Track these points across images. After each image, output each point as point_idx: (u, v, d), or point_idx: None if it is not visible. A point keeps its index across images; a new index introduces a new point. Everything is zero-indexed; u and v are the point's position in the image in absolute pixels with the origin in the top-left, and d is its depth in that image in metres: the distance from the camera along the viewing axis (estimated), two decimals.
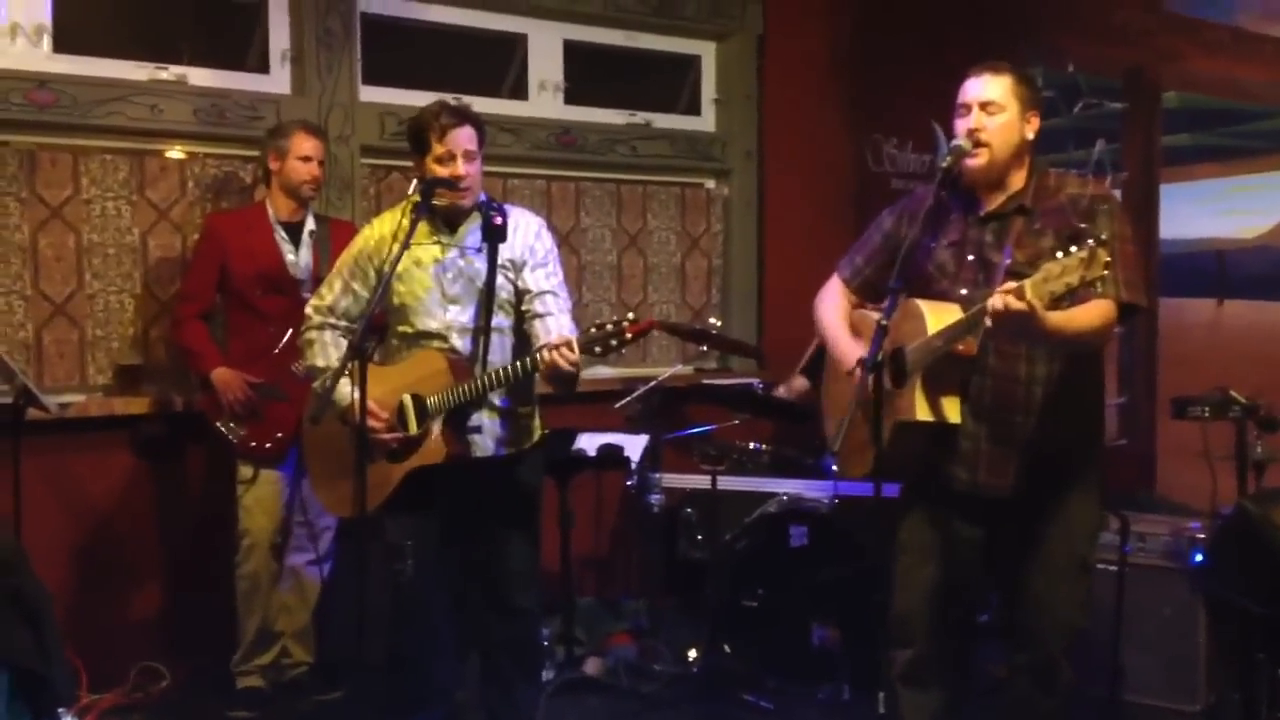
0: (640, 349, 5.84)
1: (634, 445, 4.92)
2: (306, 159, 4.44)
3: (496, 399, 3.62)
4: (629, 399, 5.03)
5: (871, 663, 4.24)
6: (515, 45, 5.71)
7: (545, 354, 3.26)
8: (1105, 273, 2.65)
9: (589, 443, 4.86)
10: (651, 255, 6.07)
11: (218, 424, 4.38)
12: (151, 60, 4.77)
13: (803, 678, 4.50)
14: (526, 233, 3.68)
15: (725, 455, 5.01)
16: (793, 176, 6.23)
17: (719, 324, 5.48)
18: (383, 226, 3.70)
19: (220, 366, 4.36)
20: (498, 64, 5.73)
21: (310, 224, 4.52)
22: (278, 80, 5.05)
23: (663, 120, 6.06)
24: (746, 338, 6.03)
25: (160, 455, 4.78)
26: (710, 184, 6.24)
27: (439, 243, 3.65)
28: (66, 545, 4.58)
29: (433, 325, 3.63)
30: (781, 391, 5.41)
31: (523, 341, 3.66)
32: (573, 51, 5.81)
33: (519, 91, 5.72)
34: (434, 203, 3.56)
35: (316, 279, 4.42)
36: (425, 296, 3.63)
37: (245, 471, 4.42)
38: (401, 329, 3.69)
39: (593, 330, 3.24)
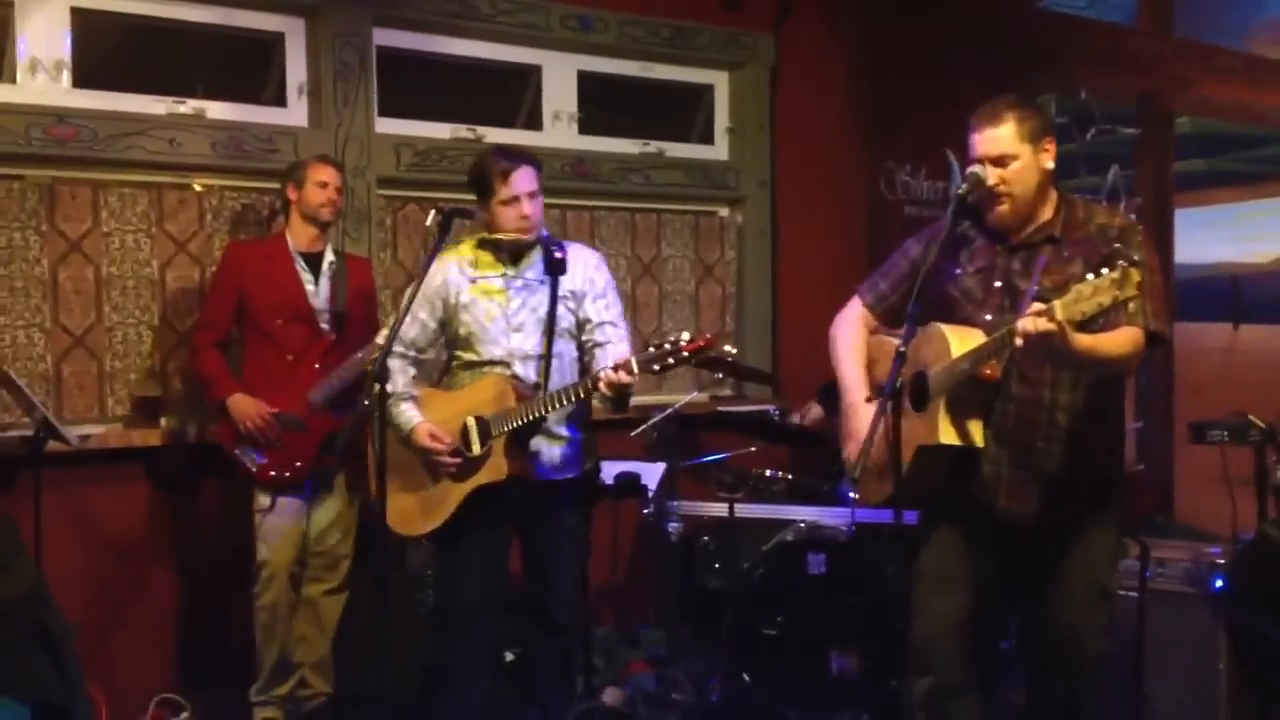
0: (655, 376, 5.84)
1: (651, 473, 4.92)
2: (324, 184, 4.48)
3: (554, 426, 3.78)
4: (645, 426, 5.04)
5: (891, 691, 4.25)
6: (530, 76, 5.74)
7: (606, 374, 3.45)
8: (1136, 293, 2.65)
9: (606, 471, 4.81)
10: (666, 283, 6.08)
11: (235, 452, 4.39)
12: (170, 94, 4.81)
13: (822, 706, 4.47)
14: (586, 266, 3.89)
15: (742, 483, 5.00)
16: (806, 204, 6.26)
17: (734, 351, 5.47)
18: (449, 266, 3.87)
19: (236, 393, 4.37)
20: (512, 95, 5.76)
21: (329, 255, 4.56)
22: (295, 113, 5.09)
23: (676, 149, 6.08)
24: (761, 365, 6.03)
25: (179, 486, 4.80)
26: (724, 212, 6.26)
27: (504, 274, 3.83)
28: (86, 577, 4.59)
29: (497, 353, 3.80)
30: (797, 419, 5.40)
31: (583, 369, 3.86)
32: (586, 82, 5.85)
33: (533, 122, 5.75)
34: (498, 238, 3.80)
35: (333, 311, 4.48)
36: (490, 325, 3.81)
37: (263, 500, 4.42)
38: (467, 357, 3.86)
39: (651, 349, 3.41)
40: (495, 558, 3.86)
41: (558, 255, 3.79)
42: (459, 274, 3.85)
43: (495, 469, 3.69)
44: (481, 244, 3.87)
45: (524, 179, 3.77)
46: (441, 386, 3.99)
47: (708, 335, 3.43)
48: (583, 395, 3.58)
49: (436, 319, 3.88)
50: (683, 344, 3.35)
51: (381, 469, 3.48)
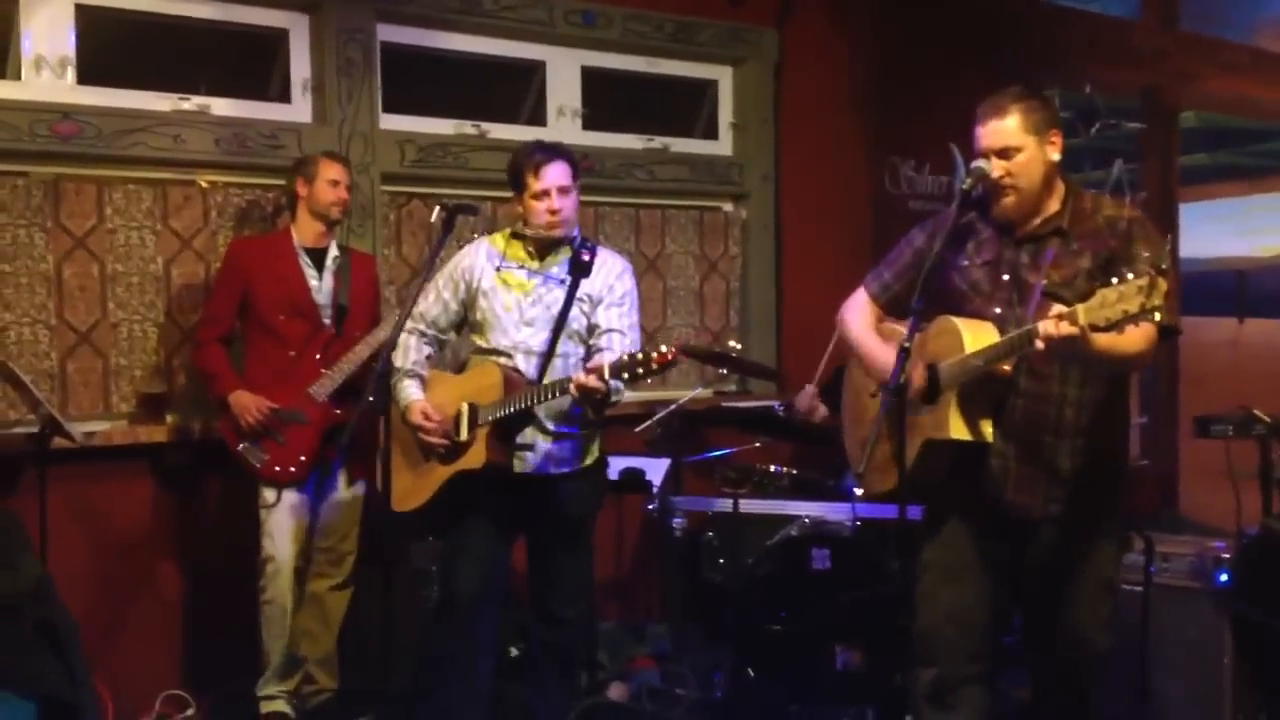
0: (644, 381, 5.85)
1: (655, 469, 4.93)
2: (335, 182, 4.50)
3: (548, 421, 3.79)
4: (649, 422, 5.04)
5: (896, 685, 4.25)
6: (534, 72, 5.74)
7: (576, 376, 3.50)
8: (1163, 302, 2.64)
9: (610, 467, 4.86)
10: (670, 278, 6.09)
11: (239, 448, 4.39)
12: (174, 91, 4.81)
13: (827, 701, 4.48)
14: (609, 273, 3.90)
15: (746, 478, 5.01)
16: (810, 199, 6.25)
17: (738, 347, 5.48)
18: (479, 249, 3.95)
19: (238, 389, 4.38)
20: (516, 91, 5.76)
21: (334, 251, 4.56)
22: (299, 109, 5.09)
23: (680, 145, 6.09)
24: (765, 360, 6.04)
25: (183, 482, 4.81)
26: (728, 207, 6.25)
27: (527, 268, 3.87)
28: (91, 573, 4.59)
29: (504, 343, 3.84)
30: (797, 403, 5.36)
31: None
32: (590, 77, 5.85)
33: (537, 118, 5.75)
34: (527, 232, 3.86)
35: (336, 306, 4.49)
36: (504, 316, 3.85)
37: (268, 495, 4.43)
38: (480, 343, 3.91)
39: (624, 358, 3.45)
40: (493, 550, 3.86)
41: (585, 258, 3.81)
42: (486, 260, 3.90)
43: (475, 456, 3.74)
44: (513, 235, 3.93)
45: (555, 173, 3.79)
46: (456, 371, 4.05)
47: (675, 350, 3.44)
48: (559, 394, 3.61)
49: (459, 300, 3.93)
50: (653, 357, 3.40)
51: (386, 447, 3.59)
